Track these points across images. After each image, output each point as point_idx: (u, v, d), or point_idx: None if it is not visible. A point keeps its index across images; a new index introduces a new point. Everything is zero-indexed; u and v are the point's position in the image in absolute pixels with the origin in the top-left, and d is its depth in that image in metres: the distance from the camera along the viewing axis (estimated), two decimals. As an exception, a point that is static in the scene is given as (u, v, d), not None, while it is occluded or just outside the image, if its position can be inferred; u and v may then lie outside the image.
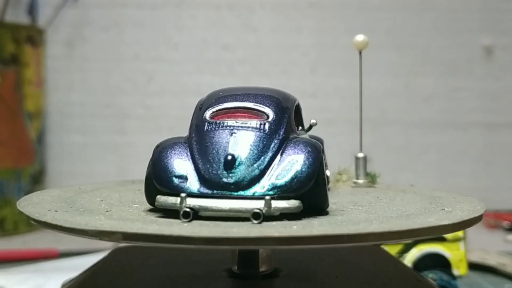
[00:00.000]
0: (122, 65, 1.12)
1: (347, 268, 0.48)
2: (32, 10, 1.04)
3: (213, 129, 0.39)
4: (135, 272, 0.47)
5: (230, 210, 0.34)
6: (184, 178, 0.36)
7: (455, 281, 0.59)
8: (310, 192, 0.36)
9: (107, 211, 0.37)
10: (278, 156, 0.37)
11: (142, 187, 0.40)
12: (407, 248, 0.62)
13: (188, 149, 0.38)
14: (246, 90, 0.42)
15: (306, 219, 0.35)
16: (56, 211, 0.37)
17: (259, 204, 0.34)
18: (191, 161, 0.37)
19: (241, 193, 0.36)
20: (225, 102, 0.41)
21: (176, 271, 0.46)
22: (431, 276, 0.58)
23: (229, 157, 0.36)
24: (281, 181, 0.36)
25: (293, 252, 0.50)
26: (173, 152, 0.38)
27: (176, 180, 0.36)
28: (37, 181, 0.98)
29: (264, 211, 0.34)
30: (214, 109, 0.40)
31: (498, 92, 1.15)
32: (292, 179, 0.36)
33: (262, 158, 0.37)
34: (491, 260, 0.73)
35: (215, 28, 1.13)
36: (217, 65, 1.13)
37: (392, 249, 0.62)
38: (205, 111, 0.40)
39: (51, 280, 0.62)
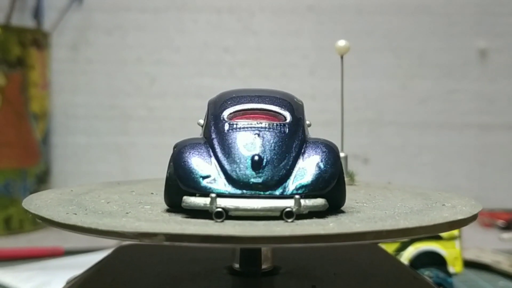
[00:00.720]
0: (125, 68, 1.12)
1: (345, 265, 0.48)
2: (37, 14, 1.05)
3: (234, 130, 0.38)
4: (138, 269, 0.47)
5: (261, 210, 0.35)
6: (211, 178, 0.36)
7: (450, 278, 0.59)
8: (333, 191, 0.37)
9: (126, 213, 0.37)
10: (301, 156, 0.38)
11: (131, 188, 0.41)
12: (403, 246, 0.62)
13: (210, 150, 0.38)
14: (258, 92, 0.42)
15: (331, 217, 0.36)
16: (75, 214, 0.36)
17: (289, 203, 0.34)
18: (216, 161, 0.37)
19: (269, 192, 0.36)
20: (241, 103, 0.40)
21: (178, 268, 0.47)
22: (427, 273, 0.58)
23: (256, 158, 0.36)
24: (307, 181, 0.36)
25: (292, 250, 0.50)
26: (196, 152, 0.37)
27: (203, 181, 0.36)
28: (42, 181, 0.99)
29: (294, 209, 0.34)
30: (231, 110, 0.40)
31: (492, 94, 1.15)
32: (318, 178, 0.36)
33: (287, 158, 0.37)
34: (486, 258, 0.73)
35: (216, 31, 1.13)
36: (218, 67, 1.13)
37: (389, 247, 0.62)
38: (221, 112, 0.40)
39: (56, 278, 0.62)
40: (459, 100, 1.15)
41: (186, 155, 0.37)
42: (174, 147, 0.38)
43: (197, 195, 0.36)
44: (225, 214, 0.34)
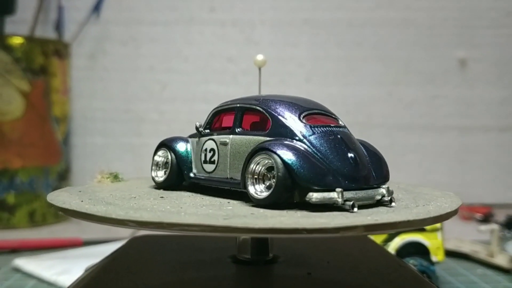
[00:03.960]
0: (139, 75, 1.12)
1: (337, 255, 0.48)
2: (59, 26, 1.05)
3: (320, 132, 0.38)
4: (150, 258, 0.47)
5: (370, 199, 0.37)
6: (329, 175, 0.36)
7: (433, 266, 0.59)
8: None
9: (180, 207, 0.36)
10: (366, 153, 0.40)
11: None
12: (390, 238, 0.62)
13: (309, 150, 0.37)
14: (300, 98, 0.42)
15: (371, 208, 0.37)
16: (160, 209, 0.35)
17: (384, 192, 0.38)
18: (322, 160, 0.37)
19: (368, 184, 0.38)
20: (305, 107, 0.40)
21: (186, 257, 0.47)
22: (412, 262, 0.58)
23: (353, 155, 0.38)
24: (382, 173, 0.39)
25: (289, 241, 0.50)
26: (305, 153, 0.37)
27: (326, 178, 0.36)
28: (63, 178, 0.99)
29: (390, 197, 0.38)
30: (304, 114, 0.40)
31: (471, 99, 1.15)
32: (385, 171, 0.40)
33: (364, 154, 0.40)
34: (466, 248, 0.73)
35: (220, 42, 1.13)
36: (222, 75, 1.13)
37: (377, 238, 0.62)
38: (297, 115, 0.39)
39: (75, 266, 0.62)
40: (441, 105, 1.15)
41: (301, 156, 0.36)
42: (280, 148, 0.36)
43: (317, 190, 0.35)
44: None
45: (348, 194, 0.36)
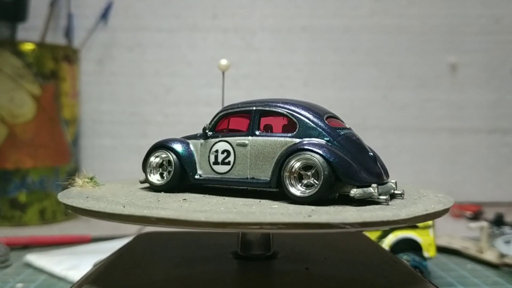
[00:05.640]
0: (144, 80, 1.12)
1: (334, 251, 0.48)
2: (68, 33, 1.05)
3: (344, 134, 0.40)
4: (156, 254, 0.47)
5: (388, 192, 0.39)
6: (363, 172, 0.38)
7: (425, 262, 0.59)
8: None
9: (234, 207, 0.36)
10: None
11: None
12: (385, 234, 0.62)
13: (341, 150, 0.38)
14: (305, 102, 0.43)
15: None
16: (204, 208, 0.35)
17: (394, 186, 0.40)
18: (353, 158, 0.38)
19: (383, 180, 0.40)
20: (320, 110, 0.42)
21: (190, 253, 0.47)
22: (405, 257, 0.58)
23: (372, 154, 0.41)
24: (385, 169, 0.41)
25: (289, 237, 0.50)
26: (340, 153, 0.38)
27: (361, 175, 0.38)
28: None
29: (402, 190, 0.40)
30: (325, 117, 0.41)
31: (461, 103, 1.15)
32: (386, 167, 0.42)
33: (375, 153, 0.42)
34: (456, 244, 0.73)
35: (222, 48, 1.13)
36: (224, 79, 1.12)
37: (372, 235, 0.62)
38: (322, 117, 0.40)
39: (84, 261, 0.62)
40: (432, 108, 1.15)
41: (339, 155, 0.38)
42: (318, 148, 0.37)
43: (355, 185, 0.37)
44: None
45: (380, 189, 0.38)
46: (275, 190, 0.40)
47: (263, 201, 0.39)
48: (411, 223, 0.34)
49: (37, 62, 0.91)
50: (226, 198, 0.40)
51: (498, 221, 0.89)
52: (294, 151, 0.38)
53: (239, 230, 0.33)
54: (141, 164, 0.46)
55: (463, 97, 1.15)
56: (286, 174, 0.38)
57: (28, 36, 0.99)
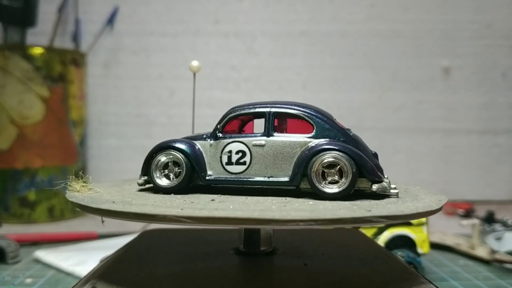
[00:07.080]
0: (149, 83, 1.12)
1: (332, 247, 0.48)
2: (76, 37, 1.05)
3: (352, 134, 0.42)
4: (160, 250, 0.47)
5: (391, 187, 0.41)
6: (376, 168, 0.40)
7: (419, 257, 0.59)
8: None
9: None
10: None
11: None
12: (380, 231, 0.62)
13: (356, 148, 0.40)
14: (310, 105, 0.44)
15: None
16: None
17: (389, 182, 0.41)
18: (366, 156, 0.40)
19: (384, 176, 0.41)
20: (329, 113, 0.43)
21: (192, 249, 0.47)
22: (400, 254, 0.58)
23: (375, 152, 0.42)
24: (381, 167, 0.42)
25: (288, 234, 0.50)
26: (360, 152, 0.40)
27: (377, 171, 0.40)
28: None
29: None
30: (334, 118, 0.42)
31: (454, 104, 1.15)
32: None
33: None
34: (449, 240, 0.73)
35: (224, 52, 1.13)
36: (226, 82, 1.13)
37: (368, 232, 0.62)
38: (333, 119, 0.42)
39: (91, 257, 0.62)
40: (426, 109, 1.15)
41: (360, 153, 0.39)
42: (342, 149, 0.39)
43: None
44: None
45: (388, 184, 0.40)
46: (292, 188, 0.40)
47: (289, 198, 0.39)
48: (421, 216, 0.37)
49: (45, 66, 0.91)
50: (249, 197, 0.39)
51: (489, 219, 0.89)
52: (320, 150, 0.39)
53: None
54: (142, 165, 0.44)
55: (456, 99, 1.15)
56: (312, 172, 0.39)
57: (37, 40, 0.99)
